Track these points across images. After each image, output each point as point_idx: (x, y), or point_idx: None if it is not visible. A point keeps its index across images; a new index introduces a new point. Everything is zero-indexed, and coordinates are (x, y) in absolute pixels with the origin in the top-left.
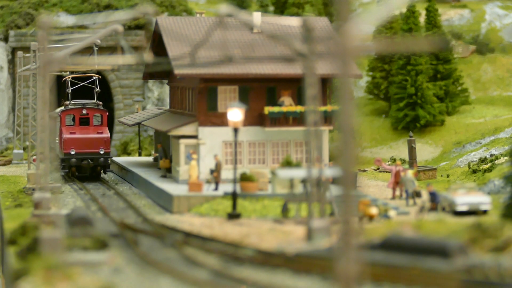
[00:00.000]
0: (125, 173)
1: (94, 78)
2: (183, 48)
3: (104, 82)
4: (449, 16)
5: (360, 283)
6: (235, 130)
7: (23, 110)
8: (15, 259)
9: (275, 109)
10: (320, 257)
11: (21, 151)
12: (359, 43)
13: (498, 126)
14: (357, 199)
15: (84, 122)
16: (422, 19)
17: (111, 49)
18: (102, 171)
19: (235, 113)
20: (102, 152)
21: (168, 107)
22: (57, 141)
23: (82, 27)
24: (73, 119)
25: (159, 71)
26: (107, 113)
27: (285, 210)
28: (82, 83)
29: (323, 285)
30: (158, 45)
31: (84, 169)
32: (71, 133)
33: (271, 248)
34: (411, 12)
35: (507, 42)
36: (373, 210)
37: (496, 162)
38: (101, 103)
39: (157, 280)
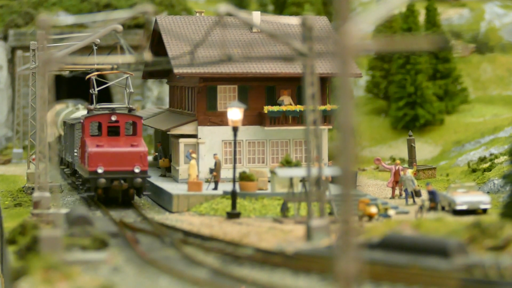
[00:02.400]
0: None
1: (125, 76)
2: (182, 47)
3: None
4: (449, 15)
5: (359, 282)
6: (235, 129)
7: (22, 109)
8: (15, 259)
9: (275, 108)
10: (319, 256)
11: (21, 150)
12: (359, 42)
13: (497, 125)
14: (356, 198)
15: (114, 131)
16: (421, 18)
17: (110, 48)
18: (136, 194)
19: (235, 112)
20: (137, 171)
21: (168, 106)
22: (76, 154)
23: (81, 26)
24: (99, 128)
25: (159, 70)
26: (142, 120)
27: (284, 209)
28: (111, 83)
29: (322, 284)
30: (157, 44)
31: (114, 192)
32: (97, 146)
33: (270, 247)
34: (411, 12)
35: (506, 41)
36: (373, 209)
37: (495, 161)
38: (134, 107)
39: (157, 280)
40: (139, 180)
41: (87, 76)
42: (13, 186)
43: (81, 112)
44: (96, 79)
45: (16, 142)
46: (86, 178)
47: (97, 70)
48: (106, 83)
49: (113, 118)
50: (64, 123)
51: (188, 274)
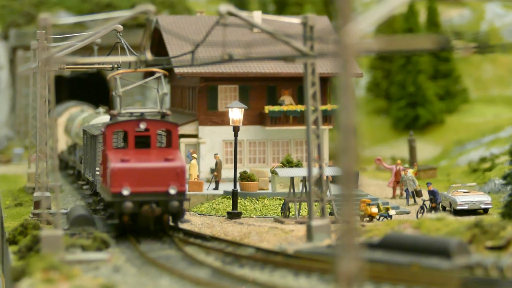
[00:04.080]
0: None
1: (158, 74)
2: (183, 47)
3: (103, 82)
4: (450, 15)
5: (360, 282)
6: (235, 129)
7: (23, 109)
8: (15, 258)
9: (276, 108)
10: (320, 256)
11: (21, 150)
12: (360, 42)
13: (498, 125)
14: (358, 198)
15: (143, 142)
16: (422, 19)
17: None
18: (172, 221)
19: (235, 112)
20: (173, 192)
21: (168, 106)
22: (98, 172)
23: (82, 26)
24: (125, 138)
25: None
26: (178, 128)
27: (285, 209)
28: (140, 82)
29: (323, 284)
30: (158, 44)
31: (144, 219)
32: (122, 160)
33: (271, 247)
34: (411, 12)
35: (507, 41)
36: (374, 209)
37: (496, 161)
38: (168, 112)
39: (157, 279)
40: (175, 203)
41: (110, 75)
42: (14, 186)
43: (102, 117)
44: (120, 78)
45: (17, 142)
46: (108, 202)
47: (118, 67)
48: (133, 82)
49: (142, 125)
50: (84, 132)
51: (188, 274)
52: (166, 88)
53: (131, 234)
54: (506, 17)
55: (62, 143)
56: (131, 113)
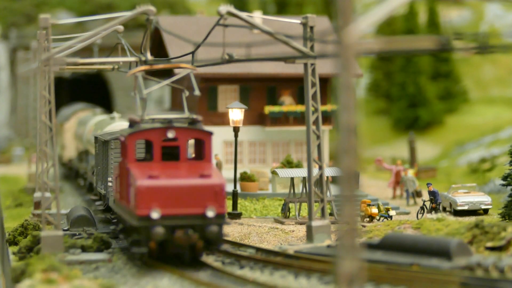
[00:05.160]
0: None
1: (187, 71)
2: (183, 47)
3: (103, 83)
4: (450, 15)
5: (360, 282)
6: (236, 130)
7: (24, 110)
8: (15, 259)
9: (276, 108)
10: (320, 257)
11: (22, 150)
12: (360, 42)
13: (498, 125)
14: (358, 199)
15: (170, 154)
16: (422, 19)
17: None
18: (207, 247)
19: (236, 113)
20: (211, 215)
21: (168, 106)
22: (110, 184)
23: (83, 27)
24: (150, 149)
25: (159, 71)
26: (212, 136)
27: (285, 210)
28: (166, 81)
29: (323, 285)
30: (158, 44)
31: (176, 246)
32: (151, 177)
33: (271, 247)
34: (411, 14)
35: (507, 41)
36: (374, 210)
37: (496, 161)
38: (199, 118)
39: (157, 280)
40: (214, 228)
41: (130, 72)
42: (14, 187)
43: (118, 124)
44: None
45: (18, 143)
46: (134, 227)
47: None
48: (158, 82)
49: (171, 134)
50: (96, 139)
51: (188, 274)
52: (197, 88)
53: (159, 262)
54: (506, 17)
55: (72, 149)
56: (155, 119)
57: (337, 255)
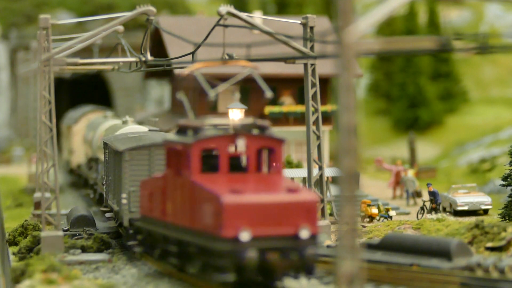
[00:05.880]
0: None
1: (249, 71)
2: (183, 47)
3: (103, 84)
4: (450, 16)
5: (360, 283)
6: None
7: (24, 110)
8: (15, 259)
9: (276, 109)
10: (320, 257)
11: (22, 151)
12: (361, 42)
13: (498, 125)
14: (359, 199)
15: (236, 165)
16: (422, 20)
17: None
18: (295, 272)
19: (236, 113)
20: (305, 235)
21: (168, 107)
22: (125, 201)
23: (83, 28)
24: (213, 159)
25: (159, 71)
26: (284, 144)
27: None
28: (233, 82)
29: (323, 285)
30: (158, 45)
31: (267, 271)
32: (234, 191)
33: None
34: (411, 14)
35: (507, 42)
36: (374, 210)
37: (496, 162)
38: (267, 124)
39: (157, 280)
40: (311, 251)
41: (187, 71)
42: (14, 187)
43: (129, 127)
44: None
45: (18, 143)
46: (215, 250)
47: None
48: (214, 84)
49: (241, 142)
50: (106, 146)
51: (188, 275)
52: (267, 89)
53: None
54: (506, 17)
55: (80, 155)
56: (217, 125)
57: (337, 255)
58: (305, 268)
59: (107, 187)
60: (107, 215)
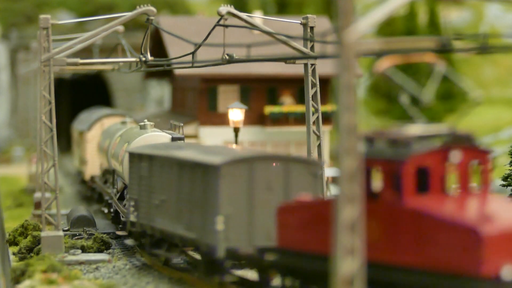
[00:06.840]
0: None
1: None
2: (184, 48)
3: (103, 84)
4: (450, 16)
5: (360, 283)
6: (236, 130)
7: (24, 110)
8: (15, 259)
9: (276, 109)
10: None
11: (22, 151)
12: (361, 42)
13: (498, 126)
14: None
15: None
16: (422, 19)
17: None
18: None
19: (236, 113)
20: None
21: (168, 106)
22: (196, 226)
23: (83, 28)
24: (426, 176)
25: (159, 71)
26: (490, 156)
27: None
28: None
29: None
30: (158, 45)
31: None
32: (485, 218)
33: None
34: (411, 15)
35: (507, 42)
36: None
37: (496, 162)
38: (470, 133)
39: (157, 281)
40: None
41: (381, 68)
42: (15, 187)
43: (149, 134)
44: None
45: (18, 143)
46: None
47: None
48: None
49: (455, 157)
50: (132, 157)
51: (188, 275)
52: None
53: None
54: (506, 18)
55: (95, 166)
56: (422, 136)
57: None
58: None
59: (134, 204)
60: (128, 241)
